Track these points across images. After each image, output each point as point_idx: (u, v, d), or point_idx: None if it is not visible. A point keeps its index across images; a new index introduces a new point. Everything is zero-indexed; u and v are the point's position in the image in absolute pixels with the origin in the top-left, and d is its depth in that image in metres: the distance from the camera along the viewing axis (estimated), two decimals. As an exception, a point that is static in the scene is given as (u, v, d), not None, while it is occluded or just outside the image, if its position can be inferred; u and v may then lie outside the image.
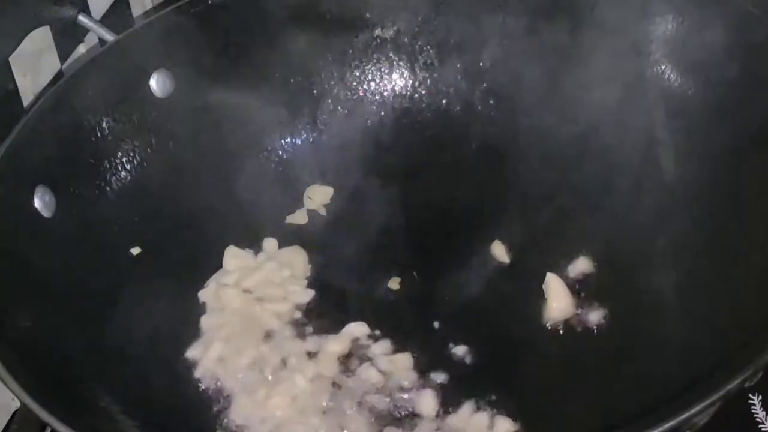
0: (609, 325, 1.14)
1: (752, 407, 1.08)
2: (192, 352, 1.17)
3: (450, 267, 1.23)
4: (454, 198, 1.30)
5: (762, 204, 1.09)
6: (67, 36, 1.31)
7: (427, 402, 1.10)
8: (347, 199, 1.32)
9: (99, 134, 1.21)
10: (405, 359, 1.14)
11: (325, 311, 1.20)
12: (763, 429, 1.07)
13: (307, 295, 1.22)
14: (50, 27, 1.27)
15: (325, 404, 1.10)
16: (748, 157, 1.13)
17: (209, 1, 1.28)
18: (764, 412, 1.07)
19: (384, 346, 1.15)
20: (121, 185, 1.23)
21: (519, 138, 1.32)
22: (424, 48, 1.36)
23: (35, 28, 1.24)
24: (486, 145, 1.34)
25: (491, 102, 1.35)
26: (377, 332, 1.17)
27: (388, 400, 1.10)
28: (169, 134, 1.28)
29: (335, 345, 1.16)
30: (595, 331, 1.14)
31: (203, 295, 1.23)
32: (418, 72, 1.37)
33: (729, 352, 0.90)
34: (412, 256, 1.25)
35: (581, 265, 1.20)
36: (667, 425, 0.84)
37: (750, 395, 1.08)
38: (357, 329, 1.17)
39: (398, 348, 1.15)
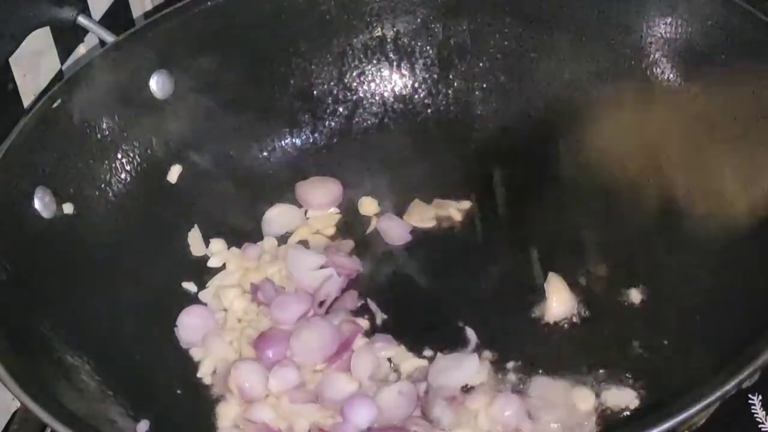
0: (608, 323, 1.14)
1: (752, 407, 1.07)
2: (194, 353, 1.17)
3: (451, 267, 1.23)
4: (454, 200, 1.30)
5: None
6: (67, 36, 1.30)
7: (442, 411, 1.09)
8: (347, 199, 1.32)
9: (99, 135, 1.21)
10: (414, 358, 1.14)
11: (328, 310, 1.20)
12: (763, 429, 1.07)
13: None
14: (50, 27, 1.27)
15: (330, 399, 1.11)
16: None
17: (209, 2, 1.28)
18: (764, 412, 1.07)
19: (389, 342, 1.15)
20: (121, 186, 1.23)
21: (519, 139, 1.33)
22: (424, 49, 1.36)
23: (35, 28, 1.24)
24: (486, 147, 1.34)
25: (492, 103, 1.35)
26: (382, 330, 1.18)
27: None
28: (169, 135, 1.28)
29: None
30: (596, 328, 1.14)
31: (204, 296, 1.23)
32: (418, 73, 1.37)
33: (727, 353, 0.90)
34: (413, 255, 1.26)
35: (590, 264, 1.20)
36: (666, 425, 0.84)
37: (750, 395, 1.07)
38: (360, 327, 1.17)
39: (405, 344, 1.15)
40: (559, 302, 1.16)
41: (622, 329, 1.13)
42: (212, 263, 1.26)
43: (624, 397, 1.07)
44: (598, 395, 1.07)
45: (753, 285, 1.05)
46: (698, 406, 0.84)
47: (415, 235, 1.27)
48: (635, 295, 1.15)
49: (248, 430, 1.09)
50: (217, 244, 1.27)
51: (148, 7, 1.48)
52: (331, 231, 1.29)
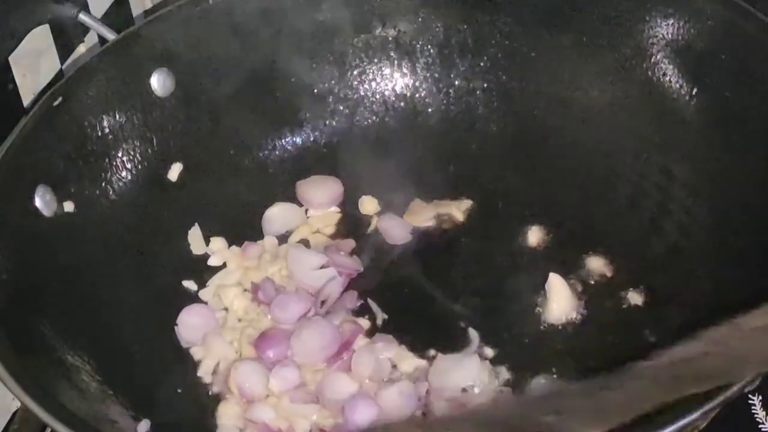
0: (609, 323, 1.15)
1: (752, 407, 1.08)
2: (194, 352, 1.17)
3: (452, 267, 1.23)
4: (454, 200, 1.30)
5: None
6: (67, 36, 1.30)
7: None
8: (348, 198, 1.32)
9: (100, 133, 1.21)
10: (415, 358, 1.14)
11: (329, 310, 1.20)
12: (763, 429, 1.07)
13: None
14: (50, 27, 1.26)
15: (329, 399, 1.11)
16: (748, 159, 1.13)
17: (210, 2, 1.28)
18: (764, 413, 1.07)
19: (390, 343, 1.15)
20: (122, 184, 1.23)
21: (520, 139, 1.32)
22: (426, 48, 1.36)
23: (36, 26, 1.24)
24: (487, 147, 1.34)
25: (493, 103, 1.35)
26: (383, 330, 1.18)
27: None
28: (170, 133, 1.28)
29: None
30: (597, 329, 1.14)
31: (204, 294, 1.23)
32: (419, 72, 1.36)
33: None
34: (413, 255, 1.26)
35: (591, 264, 1.20)
36: (668, 429, 0.83)
37: (750, 396, 1.08)
38: (360, 327, 1.17)
39: (406, 344, 1.15)
40: (559, 303, 1.16)
41: (623, 330, 1.13)
42: (212, 262, 1.26)
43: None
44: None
45: (753, 286, 1.05)
46: (700, 411, 0.84)
47: (415, 235, 1.27)
48: (635, 297, 1.15)
49: (249, 430, 1.09)
50: (218, 243, 1.27)
51: (148, 5, 1.48)
52: (332, 230, 1.29)
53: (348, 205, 1.31)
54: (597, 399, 0.92)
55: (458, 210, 1.28)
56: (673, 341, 1.07)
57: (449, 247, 1.26)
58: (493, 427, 0.92)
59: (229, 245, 1.27)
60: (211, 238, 1.27)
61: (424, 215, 1.28)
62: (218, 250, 1.26)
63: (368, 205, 1.30)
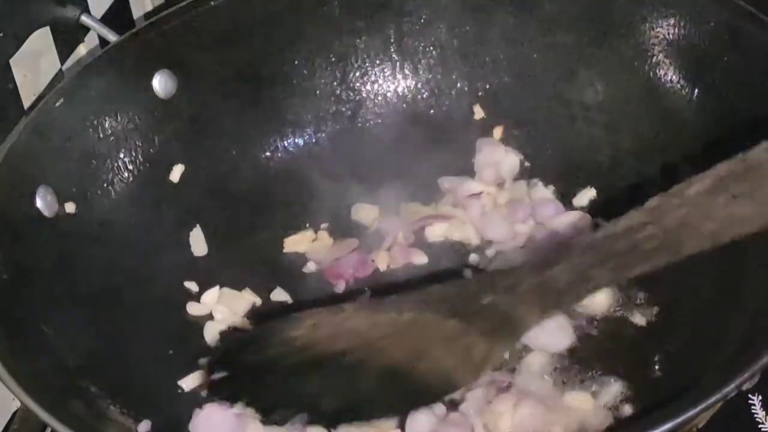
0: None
1: (752, 407, 1.08)
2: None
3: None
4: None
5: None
6: (67, 36, 1.31)
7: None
8: (349, 201, 1.31)
9: (101, 134, 1.22)
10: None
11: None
12: (763, 429, 1.07)
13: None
14: (50, 27, 1.27)
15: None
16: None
17: (212, 2, 1.28)
18: (764, 412, 1.07)
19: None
20: (123, 185, 1.23)
21: (522, 140, 1.32)
22: (428, 49, 1.36)
23: (38, 28, 1.24)
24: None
25: (494, 104, 1.35)
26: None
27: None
28: (172, 135, 1.28)
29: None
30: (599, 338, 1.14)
31: (206, 295, 1.22)
32: (421, 73, 1.36)
33: (728, 355, 0.90)
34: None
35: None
36: (666, 426, 0.83)
37: (750, 395, 1.08)
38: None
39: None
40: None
41: (625, 334, 1.13)
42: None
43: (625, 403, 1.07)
44: (599, 400, 1.07)
45: (755, 290, 1.05)
46: (698, 408, 0.84)
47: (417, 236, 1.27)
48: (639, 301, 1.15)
49: None
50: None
51: (149, 7, 1.48)
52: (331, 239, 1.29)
53: (349, 208, 1.31)
54: (543, 277, 0.93)
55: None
56: (677, 352, 1.08)
57: (450, 248, 1.26)
58: (438, 305, 0.93)
59: (230, 247, 1.27)
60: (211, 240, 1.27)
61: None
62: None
63: (368, 209, 1.30)
